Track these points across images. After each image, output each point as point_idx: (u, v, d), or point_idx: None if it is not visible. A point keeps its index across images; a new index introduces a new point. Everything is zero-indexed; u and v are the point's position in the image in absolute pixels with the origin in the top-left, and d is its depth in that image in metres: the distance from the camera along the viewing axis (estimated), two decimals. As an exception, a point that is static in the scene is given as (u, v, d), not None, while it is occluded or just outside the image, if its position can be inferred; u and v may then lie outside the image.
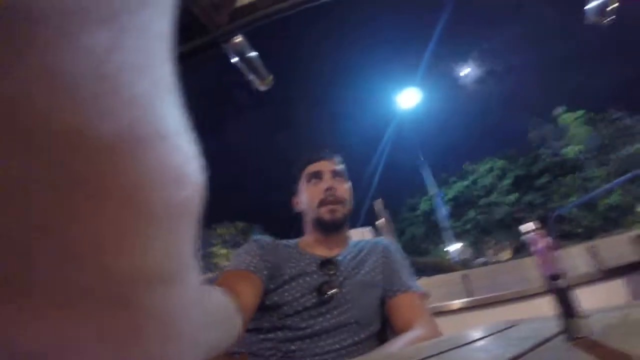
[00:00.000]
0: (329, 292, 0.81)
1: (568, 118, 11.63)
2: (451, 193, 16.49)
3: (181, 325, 0.13)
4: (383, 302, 0.85)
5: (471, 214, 15.55)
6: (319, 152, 0.99)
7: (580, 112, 11.39)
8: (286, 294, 0.81)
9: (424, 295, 0.87)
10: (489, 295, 2.10)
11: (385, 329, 0.87)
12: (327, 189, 0.91)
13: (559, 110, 11.78)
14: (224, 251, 22.77)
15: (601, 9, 1.00)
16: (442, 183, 17.48)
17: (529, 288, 2.03)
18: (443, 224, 13.26)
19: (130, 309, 0.11)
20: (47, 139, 0.08)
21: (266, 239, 0.92)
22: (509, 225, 14.64)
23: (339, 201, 0.91)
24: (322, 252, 0.92)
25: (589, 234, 10.68)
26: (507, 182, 14.77)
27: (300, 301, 0.80)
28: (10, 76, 0.08)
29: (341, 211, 0.91)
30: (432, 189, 14.57)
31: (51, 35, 0.08)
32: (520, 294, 2.02)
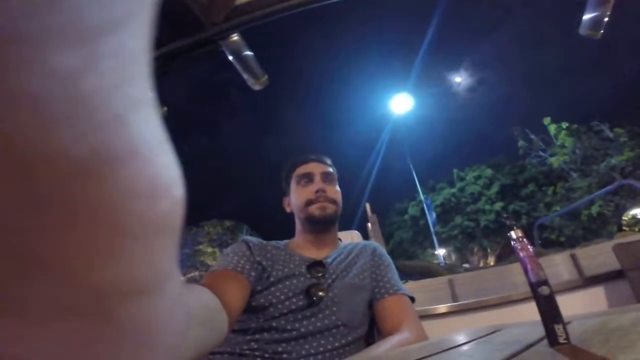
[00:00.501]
0: (317, 295, 0.80)
1: (554, 129, 11.88)
2: (439, 199, 16.67)
3: (160, 336, 0.13)
4: (371, 305, 0.85)
5: (458, 220, 15.74)
6: (309, 154, 1.00)
7: (565, 124, 11.64)
8: (274, 295, 0.80)
9: (411, 299, 0.87)
10: (474, 300, 2.12)
11: (373, 332, 0.87)
12: (318, 191, 0.92)
13: (545, 120, 12.03)
14: (210, 249, 22.57)
15: (596, 22, 1.02)
16: (430, 189, 17.67)
17: (513, 294, 2.06)
18: (431, 229, 13.39)
19: (106, 322, 0.11)
20: (18, 161, 0.08)
21: (255, 239, 0.91)
22: (494, 232, 14.88)
23: (329, 201, 0.92)
24: (311, 253, 0.92)
25: (571, 243, 10.93)
26: (493, 190, 15.00)
27: (287, 303, 0.79)
28: None
29: (332, 208, 0.92)
30: (421, 194, 14.72)
31: (23, 57, 0.08)
32: (505, 299, 2.05)
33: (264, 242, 0.93)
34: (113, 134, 0.10)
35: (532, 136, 12.69)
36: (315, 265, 0.86)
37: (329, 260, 0.90)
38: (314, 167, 0.96)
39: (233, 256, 0.83)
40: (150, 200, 0.11)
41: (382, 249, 0.98)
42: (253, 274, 0.81)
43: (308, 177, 0.95)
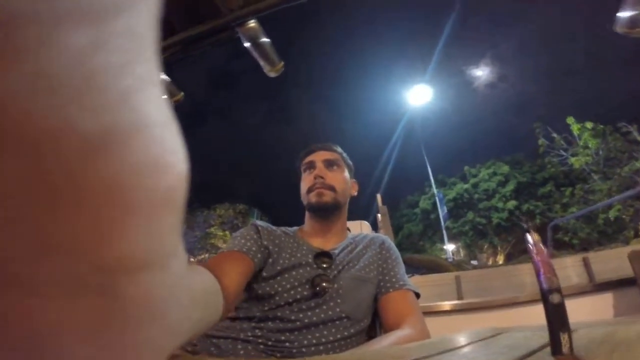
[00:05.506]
0: (321, 286, 0.80)
1: (578, 128, 11.52)
2: (451, 194, 16.48)
3: (164, 311, 0.14)
4: (375, 299, 0.85)
5: (470, 216, 15.56)
6: (316, 143, 1.02)
7: (590, 124, 11.27)
8: (279, 284, 0.80)
9: (416, 295, 0.86)
10: (479, 300, 2.10)
11: (375, 325, 0.88)
12: (316, 177, 0.93)
13: (569, 119, 11.65)
14: (221, 232, 22.91)
15: (634, 20, 0.98)
16: (440, 184, 17.48)
17: (520, 295, 2.03)
18: (441, 224, 13.29)
19: (112, 298, 0.11)
20: (31, 137, 0.09)
21: (265, 224, 0.92)
22: (506, 230, 14.67)
23: (327, 187, 0.92)
24: (319, 243, 0.92)
25: (584, 246, 10.70)
26: (509, 188, 14.73)
27: (292, 292, 0.79)
28: None
29: (329, 195, 0.92)
30: (434, 187, 14.58)
31: (35, 36, 0.08)
32: (511, 300, 2.03)
33: (274, 227, 0.94)
34: (120, 111, 0.10)
35: (554, 134, 12.32)
36: (322, 255, 0.86)
37: (337, 251, 0.89)
38: (316, 155, 0.98)
39: (240, 239, 0.83)
40: (155, 175, 0.11)
41: (391, 243, 0.97)
42: (259, 255, 0.81)
43: (310, 165, 0.97)
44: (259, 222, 0.92)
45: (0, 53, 0.08)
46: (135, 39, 0.11)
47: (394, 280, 0.86)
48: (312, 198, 0.92)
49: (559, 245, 10.69)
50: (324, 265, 0.85)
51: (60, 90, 0.09)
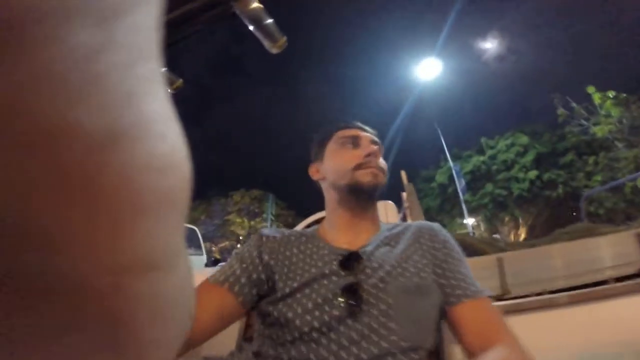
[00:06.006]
0: (357, 295, 0.61)
1: (599, 97, 11.04)
2: (468, 167, 16.16)
3: (171, 311, 0.14)
4: (439, 313, 0.65)
5: (489, 187, 15.25)
6: (354, 122, 0.84)
7: (612, 92, 10.77)
8: (295, 305, 0.63)
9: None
10: (536, 298, 1.51)
11: (440, 352, 0.70)
12: (368, 155, 0.74)
13: (589, 89, 11.17)
14: (239, 220, 23.28)
15: None
16: (455, 157, 17.14)
17: (595, 289, 1.45)
18: (460, 197, 13.07)
19: (123, 299, 0.11)
20: (38, 137, 0.09)
21: (274, 233, 0.76)
22: (528, 202, 14.34)
23: (379, 169, 0.75)
24: (346, 240, 0.74)
25: (610, 216, 10.37)
26: (528, 158, 14.35)
27: (314, 315, 0.61)
28: (2, 77, 0.08)
29: (382, 177, 0.75)
30: (450, 161, 14.28)
31: (43, 36, 0.08)
32: (586, 295, 1.40)
33: (286, 232, 0.77)
34: (126, 110, 0.10)
35: (573, 104, 11.87)
36: (352, 258, 0.68)
37: (369, 247, 0.70)
38: (361, 132, 0.81)
39: (229, 267, 0.70)
40: (161, 175, 0.11)
41: (445, 232, 0.76)
42: (249, 290, 0.67)
43: (355, 140, 0.78)
44: (266, 232, 0.76)
45: (8, 50, 0.08)
46: (140, 37, 0.11)
47: (463, 285, 0.66)
48: (364, 177, 0.72)
49: (586, 216, 10.38)
50: (357, 271, 0.66)
51: (68, 90, 0.09)
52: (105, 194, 0.10)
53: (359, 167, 0.73)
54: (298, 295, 0.64)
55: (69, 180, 0.09)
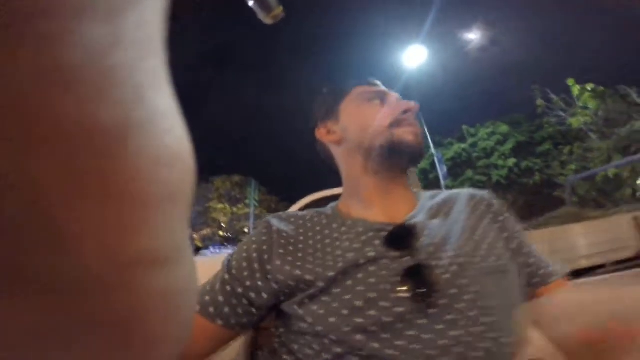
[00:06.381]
0: (428, 292, 0.45)
1: (578, 89, 11.53)
2: (449, 154, 16.59)
3: (179, 305, 0.14)
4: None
5: (469, 174, 15.77)
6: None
7: (591, 85, 11.28)
8: (336, 304, 0.47)
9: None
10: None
11: None
12: (407, 110, 0.60)
13: (569, 81, 11.63)
14: (220, 206, 23.03)
15: None
16: (437, 145, 17.53)
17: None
18: (441, 183, 13.49)
19: (134, 292, 0.11)
20: (55, 131, 0.09)
21: (286, 226, 0.57)
22: (505, 188, 14.96)
23: (420, 130, 0.61)
24: (382, 211, 0.58)
25: (582, 204, 11.01)
26: (508, 146, 14.77)
27: (366, 315, 0.45)
28: (14, 70, 0.08)
29: (422, 141, 0.60)
30: (432, 147, 14.65)
31: (59, 29, 0.08)
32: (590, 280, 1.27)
33: (300, 218, 0.60)
34: (137, 105, 0.10)
35: (552, 96, 12.37)
36: (401, 233, 0.52)
37: (419, 218, 0.56)
38: (386, 89, 0.66)
39: (231, 282, 0.53)
40: (168, 168, 0.11)
41: (502, 203, 0.62)
42: (260, 313, 0.52)
43: (382, 96, 0.63)
44: (276, 224, 0.58)
45: (26, 43, 0.08)
46: (146, 32, 0.11)
47: (541, 264, 0.55)
48: (406, 135, 0.58)
49: (558, 202, 10.98)
50: (412, 249, 0.50)
51: (80, 85, 0.09)
52: (117, 188, 0.10)
53: (397, 124, 0.59)
54: (336, 291, 0.48)
55: (82, 175, 0.09)
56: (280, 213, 0.62)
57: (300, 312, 0.49)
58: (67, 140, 0.09)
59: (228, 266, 0.55)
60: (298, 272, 0.50)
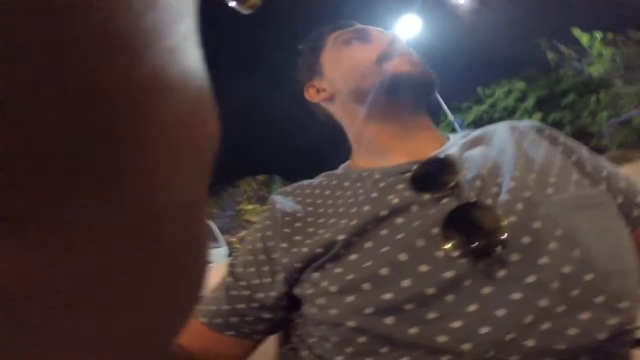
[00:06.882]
0: (487, 246, 0.33)
1: (587, 38, 11.86)
2: (469, 118, 17.04)
3: (197, 259, 0.15)
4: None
5: (492, 135, 16.40)
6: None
7: (599, 33, 11.61)
8: (347, 281, 0.36)
9: None
10: None
11: None
12: (391, 42, 0.53)
13: (574, 31, 11.93)
14: (251, 207, 23.45)
15: None
16: (455, 110, 17.96)
17: None
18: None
19: (159, 242, 0.12)
20: (96, 88, 0.09)
21: (290, 204, 0.50)
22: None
23: (417, 58, 0.53)
24: (403, 151, 0.50)
25: (622, 150, 11.51)
26: (529, 102, 15.27)
27: (397, 288, 0.34)
28: (69, 32, 0.09)
29: (426, 70, 0.52)
30: (449, 114, 15.08)
31: None
32: None
33: (306, 184, 0.54)
34: (170, 63, 0.11)
35: (562, 48, 12.69)
36: (431, 168, 0.42)
37: (452, 150, 0.46)
38: (365, 27, 0.58)
39: (236, 288, 0.46)
40: (195, 126, 0.12)
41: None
42: (259, 327, 0.46)
43: (362, 34, 0.56)
44: (279, 200, 0.51)
45: (73, 9, 0.08)
46: None
47: (634, 190, 0.44)
48: (400, 66, 0.50)
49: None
50: (450, 187, 0.39)
51: (124, 44, 0.09)
52: (149, 141, 0.10)
53: (386, 57, 0.51)
54: (352, 258, 0.38)
55: (116, 127, 0.10)
56: (287, 187, 0.55)
57: (309, 292, 0.39)
58: (109, 96, 0.09)
59: (231, 267, 0.49)
60: (305, 249, 0.41)
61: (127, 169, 0.10)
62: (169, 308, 0.14)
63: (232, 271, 0.48)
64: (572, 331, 0.30)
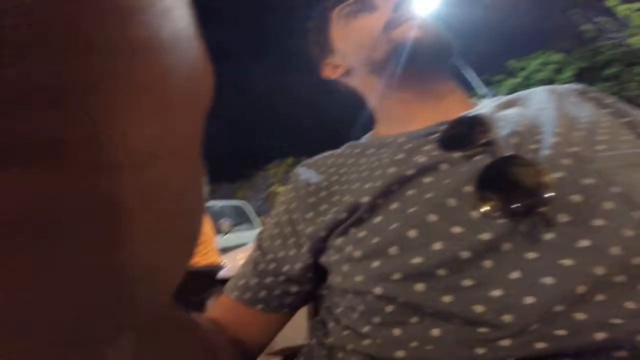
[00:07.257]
0: (531, 206, 0.30)
1: (625, 9, 12.17)
2: (503, 91, 17.16)
3: (189, 198, 0.14)
4: None
5: (527, 107, 16.76)
6: None
7: (637, 5, 11.82)
8: (372, 246, 0.36)
9: None
10: None
11: None
12: (396, 9, 0.50)
13: (609, 1, 12.12)
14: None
15: None
16: (487, 83, 18.04)
17: None
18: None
19: (139, 179, 0.12)
20: (96, 46, 0.09)
21: (310, 173, 0.51)
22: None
23: (425, 22, 0.49)
24: (430, 116, 0.47)
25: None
26: (568, 74, 15.21)
27: (427, 251, 0.33)
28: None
29: (438, 33, 0.49)
30: (480, 89, 15.41)
31: None
32: None
33: (328, 155, 0.54)
34: (167, 21, 0.11)
35: (596, 19, 12.92)
36: (461, 130, 0.39)
37: (484, 110, 0.44)
38: None
39: (264, 261, 0.47)
40: (191, 80, 0.13)
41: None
42: (287, 301, 0.47)
43: (367, 4, 0.53)
44: (301, 172, 0.52)
45: None
46: None
47: None
48: (405, 33, 0.47)
49: None
50: (483, 144, 0.37)
51: (116, 5, 0.10)
52: (143, 89, 0.11)
53: (392, 25, 0.49)
54: (376, 220, 0.37)
55: (113, 77, 0.10)
56: (309, 160, 0.55)
57: (334, 258, 0.39)
58: (110, 53, 0.10)
59: (259, 241, 0.50)
60: (330, 216, 0.41)
61: (120, 112, 0.10)
62: (166, 246, 0.13)
63: (259, 245, 0.50)
64: (631, 305, 0.27)
